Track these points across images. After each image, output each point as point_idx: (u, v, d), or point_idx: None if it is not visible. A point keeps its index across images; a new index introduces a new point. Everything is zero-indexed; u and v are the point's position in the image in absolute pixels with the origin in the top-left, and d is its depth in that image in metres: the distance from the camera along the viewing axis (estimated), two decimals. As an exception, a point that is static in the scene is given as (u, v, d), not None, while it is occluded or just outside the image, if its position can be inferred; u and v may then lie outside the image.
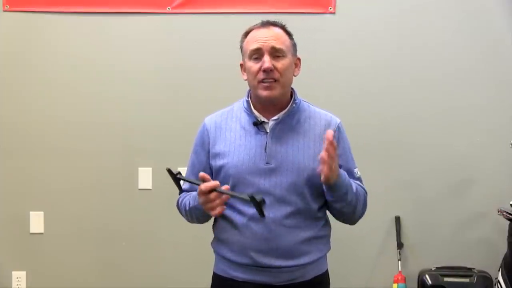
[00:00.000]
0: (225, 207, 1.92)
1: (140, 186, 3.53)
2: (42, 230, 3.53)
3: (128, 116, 3.53)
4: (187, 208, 2.07)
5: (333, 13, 3.49)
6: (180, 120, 3.50)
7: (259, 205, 1.83)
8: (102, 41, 3.54)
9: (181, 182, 1.99)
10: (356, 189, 2.01)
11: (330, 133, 1.84)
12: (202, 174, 1.91)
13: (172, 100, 3.53)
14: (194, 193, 2.03)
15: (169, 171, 1.94)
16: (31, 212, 3.53)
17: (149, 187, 3.53)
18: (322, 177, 1.86)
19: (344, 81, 3.49)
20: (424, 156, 3.48)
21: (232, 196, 1.90)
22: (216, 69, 3.48)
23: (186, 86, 3.53)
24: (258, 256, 1.97)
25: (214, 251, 2.12)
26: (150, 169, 3.52)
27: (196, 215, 2.06)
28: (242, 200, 1.89)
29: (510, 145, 3.15)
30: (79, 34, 3.53)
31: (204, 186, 1.87)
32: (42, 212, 3.53)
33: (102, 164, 3.53)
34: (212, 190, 1.87)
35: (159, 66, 3.53)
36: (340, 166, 1.96)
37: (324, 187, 1.95)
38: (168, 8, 3.52)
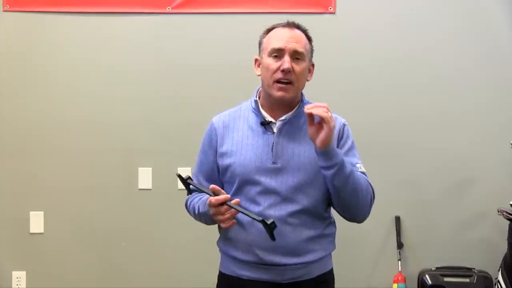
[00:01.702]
0: (235, 221, 1.94)
1: (140, 186, 3.53)
2: (42, 230, 3.53)
3: (128, 116, 3.53)
4: (196, 212, 2.09)
5: (333, 13, 3.49)
6: (180, 120, 3.50)
7: (270, 229, 1.85)
8: (102, 41, 3.54)
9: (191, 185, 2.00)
10: (356, 173, 1.99)
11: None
12: (213, 186, 1.93)
13: (172, 100, 3.53)
14: (204, 197, 2.04)
15: (179, 176, 1.95)
16: (31, 212, 3.53)
17: (149, 187, 3.53)
18: (320, 140, 1.87)
19: (344, 81, 3.49)
20: (424, 156, 3.48)
21: (242, 213, 1.91)
22: (216, 69, 3.49)
23: (186, 86, 3.53)
24: (263, 253, 1.98)
25: (220, 250, 2.13)
26: (150, 169, 3.52)
27: (205, 220, 2.09)
28: (252, 219, 1.90)
29: (510, 145, 3.15)
30: (79, 34, 3.53)
31: (215, 200, 1.89)
32: (42, 212, 3.53)
33: (102, 164, 3.53)
34: (223, 203, 1.90)
35: (159, 66, 3.53)
36: None
37: (319, 157, 1.92)
38: (168, 8, 3.52)
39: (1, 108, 3.54)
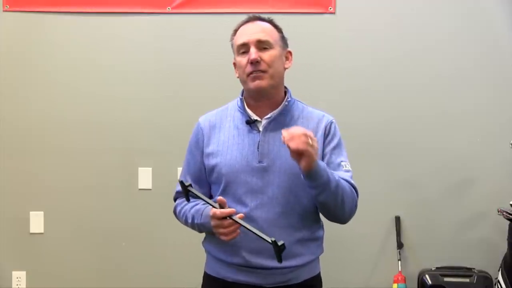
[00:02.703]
0: (239, 231, 1.88)
1: (140, 186, 3.53)
2: (42, 230, 3.53)
3: (128, 116, 3.53)
4: (189, 221, 2.05)
5: (333, 13, 3.49)
6: (180, 120, 3.49)
7: (279, 251, 1.78)
8: (102, 41, 3.54)
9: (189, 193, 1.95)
10: (339, 179, 1.92)
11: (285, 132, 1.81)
12: (220, 198, 1.88)
13: (172, 100, 3.53)
14: (199, 206, 2.01)
15: (182, 183, 1.91)
16: (31, 212, 3.53)
17: (149, 187, 3.53)
18: (302, 166, 1.81)
19: (344, 81, 3.49)
20: (424, 156, 3.48)
21: (249, 230, 1.83)
22: (216, 69, 3.48)
23: (186, 86, 3.53)
24: (250, 256, 1.95)
25: (205, 250, 2.10)
26: (150, 169, 3.52)
27: (199, 229, 2.04)
28: (260, 238, 1.81)
29: (510, 145, 3.15)
30: (79, 34, 3.54)
31: (220, 212, 1.85)
32: (42, 212, 3.53)
33: (102, 164, 3.53)
34: (227, 216, 1.85)
35: (159, 66, 3.53)
36: (330, 163, 1.97)
37: (304, 178, 1.87)
38: (168, 8, 3.52)
39: (1, 108, 3.54)
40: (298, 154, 1.79)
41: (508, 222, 3.10)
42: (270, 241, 1.78)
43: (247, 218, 1.92)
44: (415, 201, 3.49)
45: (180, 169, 3.38)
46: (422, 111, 3.48)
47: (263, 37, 1.98)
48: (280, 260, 1.79)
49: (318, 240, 2.05)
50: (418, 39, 3.49)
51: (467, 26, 3.47)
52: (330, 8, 3.48)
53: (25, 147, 3.54)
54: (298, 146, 1.77)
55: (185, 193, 1.93)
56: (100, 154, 3.53)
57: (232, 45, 2.07)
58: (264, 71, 1.96)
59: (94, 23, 3.53)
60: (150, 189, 3.53)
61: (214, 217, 1.87)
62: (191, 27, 3.52)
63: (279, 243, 1.77)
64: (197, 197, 1.93)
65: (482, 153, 3.46)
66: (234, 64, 2.07)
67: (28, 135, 3.54)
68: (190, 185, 1.92)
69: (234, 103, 2.10)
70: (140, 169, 3.53)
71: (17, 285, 3.54)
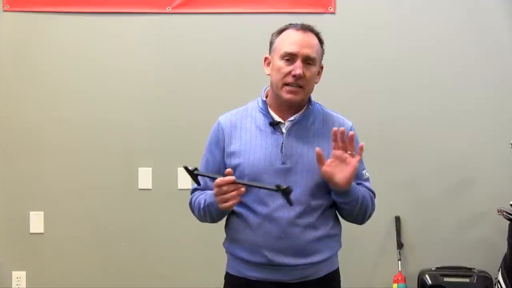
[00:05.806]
0: (240, 198, 1.91)
1: (140, 186, 3.53)
2: (42, 230, 3.53)
3: (128, 116, 3.53)
4: (202, 205, 2.06)
5: (333, 13, 3.49)
6: (180, 120, 3.50)
7: (286, 194, 1.86)
8: (102, 41, 3.54)
9: (199, 177, 1.97)
10: (364, 194, 2.05)
11: (349, 134, 1.94)
12: (229, 170, 1.91)
13: (172, 100, 3.53)
14: (209, 191, 2.03)
15: (186, 168, 1.92)
16: (31, 212, 3.53)
17: (149, 187, 3.53)
18: (344, 182, 1.92)
19: (344, 81, 3.48)
20: (424, 156, 3.48)
21: (254, 186, 1.91)
22: (216, 69, 3.49)
23: (186, 86, 3.53)
24: (272, 255, 1.99)
25: (226, 251, 2.13)
26: (150, 169, 3.52)
27: (210, 212, 2.04)
28: (268, 190, 1.91)
29: (510, 145, 3.15)
30: (79, 34, 3.53)
31: (220, 180, 1.88)
32: (42, 212, 3.53)
33: (102, 164, 3.53)
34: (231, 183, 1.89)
35: (159, 66, 3.53)
36: None
37: (333, 192, 1.99)
38: (168, 8, 3.52)
39: (1, 108, 3.54)
40: (332, 168, 1.93)
41: (508, 222, 3.10)
42: (275, 189, 1.86)
43: (269, 218, 1.98)
44: (415, 201, 3.49)
45: (180, 169, 3.43)
46: (422, 111, 3.48)
47: (311, 53, 2.01)
48: (291, 203, 1.88)
49: (336, 236, 2.12)
50: (418, 39, 3.49)
51: (467, 26, 3.47)
52: (330, 8, 3.48)
53: (25, 147, 3.54)
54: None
55: (193, 177, 1.95)
56: (100, 154, 3.53)
57: (272, 42, 2.07)
58: (301, 87, 2.00)
59: (94, 23, 3.53)
60: (150, 189, 3.53)
61: (215, 186, 1.90)
62: (191, 27, 3.52)
63: (283, 187, 1.85)
64: (206, 176, 1.99)
65: (482, 153, 3.46)
66: (265, 58, 2.09)
67: (28, 135, 3.54)
68: (196, 168, 1.94)
69: (254, 104, 2.12)
70: (140, 169, 3.53)
71: (17, 285, 3.54)
